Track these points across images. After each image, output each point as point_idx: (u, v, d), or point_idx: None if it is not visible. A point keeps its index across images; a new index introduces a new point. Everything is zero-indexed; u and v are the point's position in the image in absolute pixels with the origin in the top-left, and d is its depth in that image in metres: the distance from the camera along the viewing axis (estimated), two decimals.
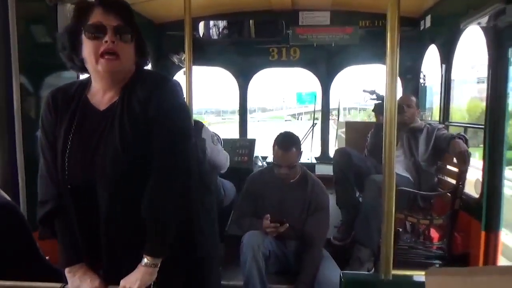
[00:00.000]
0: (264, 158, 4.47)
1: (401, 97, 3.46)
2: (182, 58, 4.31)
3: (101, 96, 1.41)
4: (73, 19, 1.37)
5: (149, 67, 1.58)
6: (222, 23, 4.45)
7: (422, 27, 4.01)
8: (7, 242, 1.43)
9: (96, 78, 1.39)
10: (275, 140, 2.68)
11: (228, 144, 3.99)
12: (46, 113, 1.42)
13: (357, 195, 3.42)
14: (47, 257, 1.63)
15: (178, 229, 1.37)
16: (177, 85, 1.48)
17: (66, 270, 1.37)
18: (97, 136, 1.35)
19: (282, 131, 2.78)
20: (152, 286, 1.34)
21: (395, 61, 1.61)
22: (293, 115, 59.62)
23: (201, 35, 4.40)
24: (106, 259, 1.39)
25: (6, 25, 2.15)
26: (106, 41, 1.30)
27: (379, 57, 4.28)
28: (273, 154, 2.68)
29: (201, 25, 4.40)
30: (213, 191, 1.64)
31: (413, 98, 3.44)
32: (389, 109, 1.63)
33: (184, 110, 1.44)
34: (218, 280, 1.70)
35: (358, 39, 4.14)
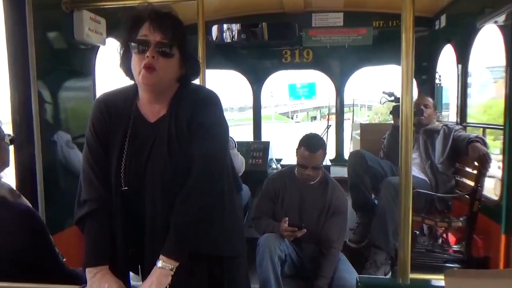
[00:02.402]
0: (279, 160, 4.46)
1: (417, 98, 3.41)
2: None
3: (149, 107, 1.49)
4: (126, 32, 1.44)
5: None
6: (235, 26, 4.46)
7: (437, 27, 3.96)
8: (27, 245, 1.45)
9: (140, 89, 1.47)
10: (301, 141, 2.69)
11: (243, 146, 4.00)
12: (100, 118, 1.48)
13: (372, 198, 3.39)
14: (64, 259, 1.65)
15: (206, 234, 1.41)
16: (218, 99, 1.54)
17: (87, 271, 1.39)
18: (149, 147, 1.44)
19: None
20: None
21: (411, 62, 1.58)
22: (285, 114, 52.73)
23: (214, 39, 4.42)
24: (148, 260, 1.43)
25: (24, 32, 2.20)
26: (148, 56, 1.37)
27: (394, 57, 4.24)
28: (298, 155, 2.67)
29: (214, 28, 4.42)
30: (240, 192, 1.69)
31: (430, 99, 3.40)
32: (405, 110, 1.61)
33: (223, 125, 1.52)
34: (247, 281, 1.71)
35: (372, 40, 4.10)
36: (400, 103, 1.63)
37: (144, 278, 1.44)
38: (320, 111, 55.75)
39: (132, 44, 1.40)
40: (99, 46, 2.84)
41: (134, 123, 1.47)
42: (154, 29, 1.38)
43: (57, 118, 2.53)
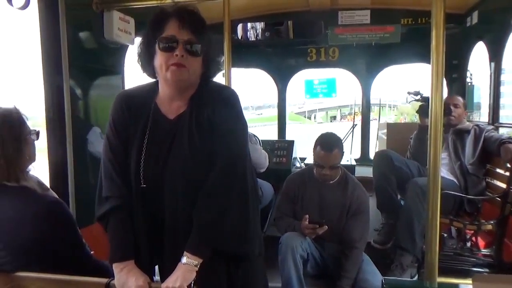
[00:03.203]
0: (303, 159, 4.44)
1: (447, 97, 3.33)
2: (221, 61, 4.37)
3: (169, 104, 1.50)
4: (150, 29, 1.46)
5: None
6: (259, 25, 4.47)
7: (468, 24, 3.84)
8: (54, 236, 1.50)
9: (165, 85, 1.48)
10: (317, 141, 2.67)
11: (267, 145, 4.01)
12: (119, 115, 1.50)
13: (398, 198, 3.32)
14: (92, 252, 1.70)
15: (228, 232, 1.42)
16: (237, 97, 1.55)
17: (114, 266, 1.42)
18: (168, 143, 1.45)
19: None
20: (192, 285, 1.37)
21: (441, 60, 1.54)
22: (301, 114, 47.89)
23: (239, 37, 4.44)
24: (168, 257, 1.45)
25: (57, 31, 2.28)
26: (177, 54, 1.38)
27: (423, 56, 4.14)
28: (315, 154, 2.65)
29: (239, 27, 4.44)
30: (258, 191, 1.69)
31: (460, 98, 3.30)
32: (434, 110, 1.57)
33: (242, 123, 1.52)
34: (264, 280, 1.71)
35: (400, 38, 4.02)
36: (430, 103, 1.59)
37: (162, 274, 1.47)
38: (340, 110, 51.69)
39: (159, 42, 1.40)
40: (128, 45, 2.90)
41: (153, 120, 1.48)
42: (183, 28, 1.39)
43: (88, 115, 2.61)
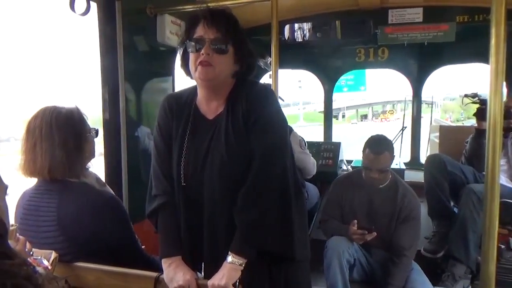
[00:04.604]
0: (349, 162, 4.36)
1: (508, 100, 3.12)
2: (268, 62, 4.39)
3: (207, 104, 1.54)
4: (185, 33, 1.51)
5: None
6: (306, 25, 4.44)
7: None
8: (112, 231, 1.58)
9: (199, 86, 1.54)
10: (366, 143, 2.61)
11: (313, 147, 3.97)
12: (163, 117, 1.58)
13: (451, 205, 3.17)
14: (143, 247, 1.77)
15: (270, 232, 1.42)
16: (272, 92, 1.56)
17: (163, 261, 1.48)
18: (207, 143, 1.48)
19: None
20: (237, 283, 1.39)
21: (501, 60, 1.46)
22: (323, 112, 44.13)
23: (286, 38, 4.43)
24: (207, 255, 1.49)
25: (114, 35, 2.40)
26: (203, 53, 1.42)
27: (479, 55, 3.92)
28: (364, 157, 2.60)
29: (286, 28, 4.43)
30: (304, 194, 1.67)
31: None
32: (493, 113, 1.49)
33: (280, 118, 1.51)
34: (309, 285, 1.70)
35: (455, 36, 3.82)
36: (488, 105, 1.51)
37: (205, 272, 1.51)
38: (372, 108, 47.56)
39: (189, 43, 1.45)
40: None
41: (193, 121, 1.52)
42: (208, 27, 1.43)
43: (141, 116, 2.72)
